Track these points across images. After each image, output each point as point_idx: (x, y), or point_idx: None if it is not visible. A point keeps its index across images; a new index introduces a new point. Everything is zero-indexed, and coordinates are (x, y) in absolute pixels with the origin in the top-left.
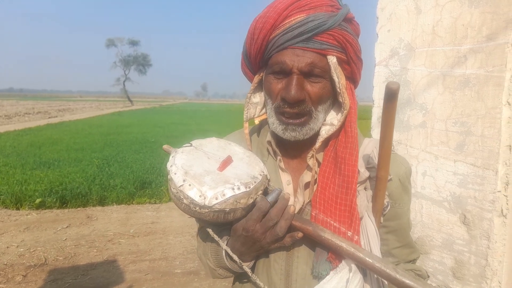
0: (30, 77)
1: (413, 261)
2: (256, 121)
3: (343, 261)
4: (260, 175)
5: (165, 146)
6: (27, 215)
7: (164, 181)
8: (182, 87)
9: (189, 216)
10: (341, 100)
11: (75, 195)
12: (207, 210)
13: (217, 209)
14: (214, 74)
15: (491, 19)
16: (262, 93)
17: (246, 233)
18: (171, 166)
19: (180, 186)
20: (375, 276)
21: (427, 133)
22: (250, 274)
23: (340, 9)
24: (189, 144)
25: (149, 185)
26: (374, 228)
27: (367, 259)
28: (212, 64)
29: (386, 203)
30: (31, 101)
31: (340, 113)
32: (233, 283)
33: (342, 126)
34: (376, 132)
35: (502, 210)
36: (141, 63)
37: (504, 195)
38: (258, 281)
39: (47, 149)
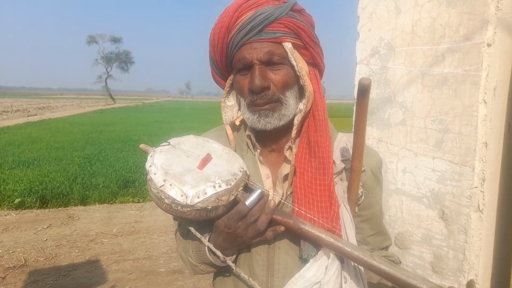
0: (8, 74)
1: (386, 248)
2: (237, 122)
3: (321, 250)
4: (240, 171)
5: (142, 145)
6: (5, 215)
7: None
8: (166, 85)
9: (170, 214)
10: (302, 83)
11: (56, 194)
12: (189, 209)
13: (199, 208)
14: (198, 72)
15: (467, 19)
16: (236, 95)
17: (228, 229)
18: (150, 166)
19: (161, 186)
20: (352, 263)
21: (407, 130)
22: (233, 267)
23: (286, 2)
24: (167, 143)
25: (132, 184)
26: (350, 217)
27: (346, 248)
28: (196, 62)
29: (361, 193)
30: (9, 99)
31: (304, 98)
32: (214, 278)
33: (310, 111)
34: None
35: (478, 206)
36: (123, 60)
37: (481, 191)
38: (242, 274)
39: (26, 148)
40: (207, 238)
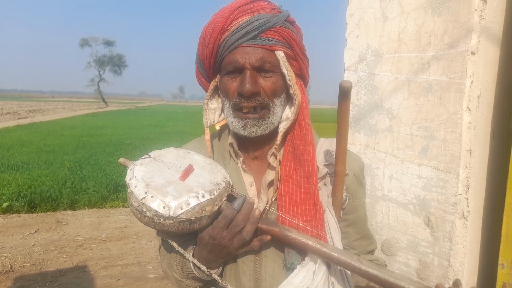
0: None
1: (372, 251)
2: (217, 127)
3: (307, 255)
4: (223, 181)
5: (121, 160)
6: None
7: None
8: (159, 89)
9: (153, 228)
10: (291, 92)
11: (45, 198)
12: (172, 221)
13: (182, 219)
14: (192, 76)
15: (452, 27)
16: (219, 99)
17: (213, 240)
18: (130, 179)
19: (142, 198)
20: (339, 267)
21: (394, 137)
22: (220, 281)
23: (282, 12)
24: (147, 156)
25: (123, 188)
26: (335, 222)
27: (333, 253)
28: (190, 66)
29: (345, 197)
30: None
31: (293, 106)
32: None
33: (296, 120)
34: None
35: (463, 213)
36: (116, 63)
37: (465, 198)
38: (228, 286)
39: (16, 151)
40: (191, 252)
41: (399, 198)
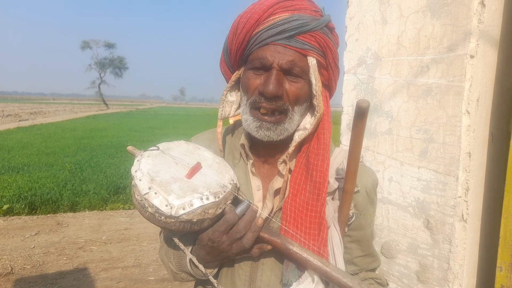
0: (0, 79)
1: (374, 269)
2: (231, 121)
3: (305, 272)
4: (230, 183)
5: (129, 147)
6: None
7: None
8: (160, 91)
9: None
10: (315, 103)
11: (45, 201)
12: (173, 220)
13: (183, 220)
14: (192, 78)
15: (451, 31)
16: (239, 92)
17: (212, 243)
18: (136, 171)
19: (145, 194)
20: (332, 285)
21: (393, 140)
22: (216, 284)
23: (323, 16)
24: (156, 148)
25: (123, 190)
26: (339, 237)
27: (334, 273)
28: (190, 68)
29: (352, 214)
30: (0, 104)
31: (313, 117)
32: (195, 287)
33: (315, 132)
34: (345, 138)
35: (462, 215)
36: (117, 66)
37: (465, 201)
38: None
39: (16, 153)
40: (190, 249)
41: (398, 201)
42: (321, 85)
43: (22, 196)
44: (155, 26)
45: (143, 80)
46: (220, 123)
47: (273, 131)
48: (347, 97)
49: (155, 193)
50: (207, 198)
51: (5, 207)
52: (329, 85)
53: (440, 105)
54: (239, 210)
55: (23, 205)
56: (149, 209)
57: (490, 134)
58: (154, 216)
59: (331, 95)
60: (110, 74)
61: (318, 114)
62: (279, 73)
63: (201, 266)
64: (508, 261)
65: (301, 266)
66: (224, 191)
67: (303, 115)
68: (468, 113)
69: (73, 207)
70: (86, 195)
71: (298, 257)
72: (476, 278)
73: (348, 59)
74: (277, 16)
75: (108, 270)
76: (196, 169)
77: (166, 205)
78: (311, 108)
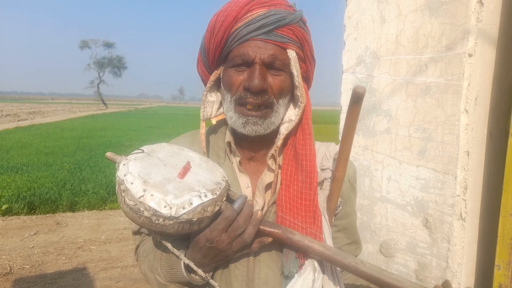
0: None
1: (357, 256)
2: (213, 121)
3: (306, 262)
4: (223, 180)
5: (108, 154)
6: None
7: None
8: (159, 91)
9: (147, 229)
10: (298, 94)
11: (44, 200)
12: (172, 222)
13: (184, 220)
14: (192, 77)
15: (449, 30)
16: (218, 92)
17: (210, 244)
18: (125, 175)
19: (140, 197)
20: (330, 272)
21: (392, 139)
22: (218, 287)
23: (297, 11)
24: (141, 151)
25: None
26: (328, 227)
27: (336, 256)
28: (190, 68)
29: (339, 203)
30: None
31: (297, 108)
32: None
33: (300, 123)
34: None
35: (461, 214)
36: (116, 65)
37: (463, 199)
38: None
39: (15, 153)
40: (183, 255)
41: (397, 200)
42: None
43: (21, 196)
44: (154, 26)
45: (142, 79)
46: (203, 124)
47: (260, 126)
48: (346, 96)
49: (151, 195)
50: (205, 196)
51: (4, 207)
52: (307, 77)
53: (439, 104)
54: (236, 205)
55: (22, 205)
56: (145, 213)
57: (488, 133)
58: (150, 221)
59: (309, 86)
60: (109, 73)
61: (302, 105)
62: (262, 68)
63: (199, 270)
64: (506, 259)
65: (303, 254)
66: (220, 188)
67: (287, 108)
68: (467, 111)
69: (72, 207)
70: (85, 194)
71: (300, 245)
72: (475, 276)
73: (346, 58)
74: (254, 12)
75: (107, 270)
76: (187, 169)
77: (165, 206)
78: (293, 100)
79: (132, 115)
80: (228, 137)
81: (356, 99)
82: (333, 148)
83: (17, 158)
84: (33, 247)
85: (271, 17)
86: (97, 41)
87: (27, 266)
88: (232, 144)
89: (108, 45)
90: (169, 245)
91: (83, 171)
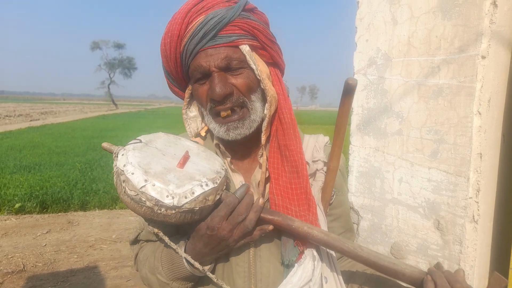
0: (12, 79)
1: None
2: (202, 133)
3: (305, 252)
4: (222, 169)
5: (105, 144)
6: (5, 220)
7: None
8: (169, 91)
9: (148, 220)
10: (263, 87)
11: (56, 199)
12: (174, 212)
13: (186, 209)
14: None
15: (462, 32)
16: (197, 105)
17: (212, 231)
18: (124, 165)
19: (142, 187)
20: (327, 259)
21: (403, 140)
22: (215, 279)
23: (238, 2)
24: (138, 140)
25: None
26: (324, 217)
27: (335, 242)
28: None
29: (333, 193)
30: (12, 104)
31: (266, 103)
32: None
33: (275, 114)
34: (354, 139)
35: (473, 216)
36: (126, 66)
37: (476, 202)
38: (224, 285)
39: (28, 152)
40: (183, 248)
41: (409, 201)
42: (267, 65)
43: (33, 195)
44: (164, 27)
45: (152, 80)
46: (196, 139)
47: (241, 128)
48: (357, 98)
49: (153, 185)
50: (207, 185)
51: (17, 205)
52: (275, 62)
53: (451, 105)
54: (238, 193)
55: (35, 204)
56: (147, 203)
57: (501, 135)
58: (152, 211)
59: (281, 70)
60: (119, 74)
61: (268, 97)
62: (219, 74)
63: (197, 264)
64: None
65: (301, 242)
66: (220, 177)
67: (262, 102)
68: (480, 113)
69: (83, 206)
70: (96, 194)
71: (300, 232)
72: (488, 279)
73: (358, 59)
74: (193, 23)
75: (118, 269)
76: (186, 158)
77: (167, 196)
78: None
79: (142, 115)
80: (216, 140)
81: (348, 90)
82: (322, 139)
83: (30, 158)
84: (45, 245)
85: (210, 22)
86: (108, 42)
87: (39, 264)
88: (221, 146)
89: (119, 46)
90: (166, 239)
91: (94, 171)
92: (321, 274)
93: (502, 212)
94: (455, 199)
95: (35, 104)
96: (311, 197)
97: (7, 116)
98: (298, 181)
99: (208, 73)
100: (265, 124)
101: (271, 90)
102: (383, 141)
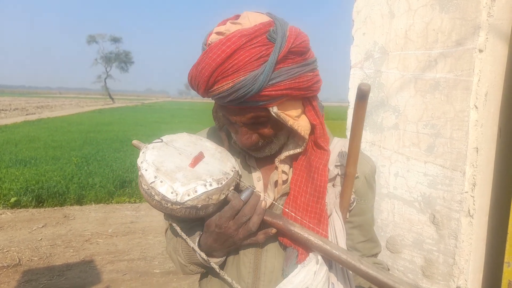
0: (7, 73)
1: (376, 255)
2: None
3: (310, 254)
4: (232, 171)
5: (134, 141)
6: (1, 214)
7: None
8: (165, 86)
9: (160, 211)
10: (295, 130)
11: (52, 194)
12: (178, 207)
13: (189, 206)
14: None
15: (460, 25)
16: None
17: (219, 229)
18: (141, 162)
19: (152, 182)
20: (340, 267)
21: (400, 134)
22: (218, 270)
23: (271, 52)
24: (160, 140)
25: (129, 184)
26: (341, 223)
27: (334, 251)
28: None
29: (352, 199)
30: (7, 97)
31: (303, 143)
32: (201, 278)
33: (310, 143)
34: None
35: (469, 211)
36: (123, 60)
37: (471, 196)
38: (226, 277)
39: (23, 146)
40: (197, 238)
41: (404, 196)
42: (300, 103)
43: (29, 189)
44: (161, 20)
45: (149, 74)
46: (222, 134)
47: (262, 152)
48: (354, 92)
49: (161, 182)
50: (210, 185)
51: (12, 199)
52: (308, 98)
53: (448, 99)
54: (243, 196)
55: (30, 198)
56: (156, 197)
57: (498, 129)
58: (160, 204)
59: (315, 90)
60: (116, 68)
61: (302, 134)
62: (245, 128)
63: (203, 254)
64: None
65: (304, 255)
66: (227, 178)
67: (289, 132)
68: (476, 108)
69: (80, 200)
70: (92, 188)
71: (299, 237)
72: (482, 273)
73: (355, 53)
74: (219, 85)
75: (114, 263)
76: (199, 158)
77: (172, 192)
78: None
79: (139, 110)
80: None
81: (361, 96)
82: None
83: (26, 152)
84: (41, 239)
85: (239, 92)
86: (104, 36)
87: (35, 258)
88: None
89: (115, 40)
90: (178, 229)
91: (90, 165)
92: (329, 279)
93: (497, 206)
94: (451, 193)
95: (31, 98)
96: (325, 219)
97: (2, 110)
98: (315, 206)
99: (235, 123)
100: (297, 151)
101: (303, 127)
102: (380, 135)
